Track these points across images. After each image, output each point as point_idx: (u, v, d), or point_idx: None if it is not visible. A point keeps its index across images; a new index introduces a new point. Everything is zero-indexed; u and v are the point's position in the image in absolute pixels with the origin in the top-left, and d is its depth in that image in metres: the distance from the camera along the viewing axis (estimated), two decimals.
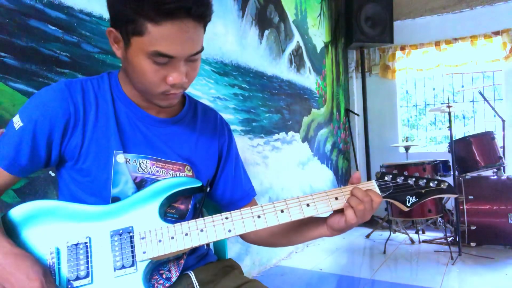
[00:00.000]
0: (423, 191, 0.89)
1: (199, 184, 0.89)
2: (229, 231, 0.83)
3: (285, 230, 0.98)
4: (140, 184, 0.89)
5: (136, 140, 0.90)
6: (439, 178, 0.91)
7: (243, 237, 1.05)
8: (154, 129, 0.93)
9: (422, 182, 0.89)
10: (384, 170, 0.93)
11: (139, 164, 0.89)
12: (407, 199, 0.88)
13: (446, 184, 0.89)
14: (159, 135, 0.93)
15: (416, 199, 0.88)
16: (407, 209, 0.88)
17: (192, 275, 0.94)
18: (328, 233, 0.91)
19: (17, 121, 0.84)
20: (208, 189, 0.93)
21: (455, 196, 0.90)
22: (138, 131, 0.91)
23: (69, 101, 0.85)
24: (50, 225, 0.83)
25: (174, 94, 0.85)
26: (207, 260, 1.03)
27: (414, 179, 0.89)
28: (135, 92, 0.90)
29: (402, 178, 0.89)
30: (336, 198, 0.86)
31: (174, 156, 0.93)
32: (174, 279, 0.88)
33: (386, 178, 0.90)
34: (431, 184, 0.89)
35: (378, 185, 0.88)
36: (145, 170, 0.90)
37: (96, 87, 0.91)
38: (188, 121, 0.99)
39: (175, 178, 0.89)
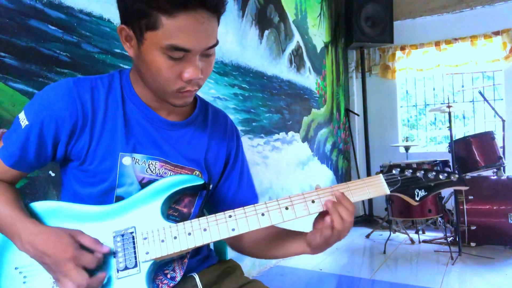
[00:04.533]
0: (432, 184, 0.86)
1: (201, 182, 0.87)
2: (233, 229, 0.81)
3: (268, 241, 0.97)
4: (147, 185, 0.87)
5: (146, 141, 0.89)
6: (449, 170, 0.88)
7: (232, 245, 1.04)
8: (164, 131, 0.91)
9: (431, 175, 0.86)
10: (391, 163, 0.90)
11: (148, 165, 0.88)
12: (416, 193, 0.85)
13: (457, 176, 0.87)
14: (168, 139, 0.91)
15: (425, 192, 0.85)
16: (416, 203, 0.86)
17: (196, 277, 0.94)
18: (308, 250, 0.89)
19: (23, 119, 0.83)
20: (211, 186, 0.92)
21: (466, 188, 0.87)
22: (148, 133, 0.89)
23: (77, 101, 0.83)
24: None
25: (189, 91, 0.82)
26: (210, 262, 1.02)
27: (423, 172, 0.86)
28: (147, 92, 0.88)
29: (411, 171, 0.86)
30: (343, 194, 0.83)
31: (183, 160, 0.92)
32: (178, 278, 0.87)
33: (393, 172, 0.87)
34: (441, 177, 0.86)
35: (385, 179, 0.86)
36: (153, 172, 0.88)
37: (106, 86, 0.88)
38: (199, 124, 0.97)
39: (177, 176, 0.87)
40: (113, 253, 0.80)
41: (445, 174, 0.87)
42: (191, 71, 0.78)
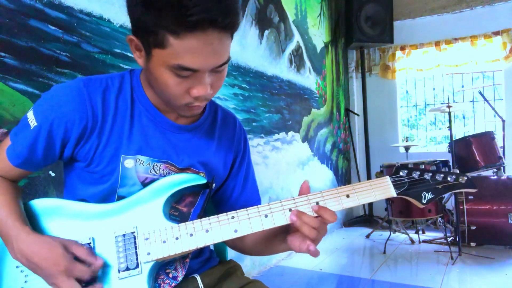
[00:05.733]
0: (440, 186, 0.84)
1: (204, 181, 0.87)
2: (235, 231, 0.80)
3: (268, 239, 0.95)
4: (149, 185, 0.87)
5: (152, 144, 0.88)
6: (457, 172, 0.86)
7: (233, 245, 1.03)
8: (171, 135, 0.90)
9: (439, 177, 0.84)
10: (399, 165, 0.88)
11: (152, 166, 0.87)
12: (423, 196, 0.84)
13: (465, 178, 0.85)
14: (176, 142, 0.90)
15: (432, 195, 0.84)
16: (422, 206, 0.84)
17: (198, 278, 0.93)
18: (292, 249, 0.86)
19: (31, 119, 0.82)
20: (214, 185, 0.91)
21: (475, 190, 0.86)
22: (155, 135, 0.88)
23: (87, 104, 0.81)
24: (54, 225, 0.82)
25: (197, 106, 0.81)
26: (211, 263, 1.02)
27: (430, 174, 0.84)
28: (157, 97, 0.87)
29: (418, 173, 0.84)
30: (348, 196, 0.81)
31: (189, 164, 0.91)
32: (180, 278, 0.87)
33: (401, 173, 0.85)
34: (449, 179, 0.84)
35: (392, 181, 0.84)
36: (157, 172, 0.88)
37: (116, 87, 0.86)
38: (207, 127, 0.96)
39: (179, 175, 0.86)
40: (109, 265, 0.79)
41: (454, 176, 0.85)
42: (200, 88, 0.76)
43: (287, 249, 0.87)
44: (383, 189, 0.83)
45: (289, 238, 0.82)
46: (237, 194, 1.02)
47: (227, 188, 1.02)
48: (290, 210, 0.80)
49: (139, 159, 0.86)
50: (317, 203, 0.80)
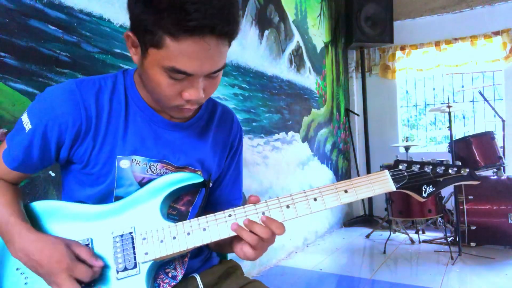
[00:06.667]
0: (441, 179, 0.82)
1: (200, 180, 0.87)
2: None
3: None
4: (146, 184, 0.87)
5: (148, 144, 0.88)
6: (459, 164, 0.84)
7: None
8: (167, 133, 0.90)
9: (440, 170, 0.82)
10: (398, 158, 0.86)
11: (149, 166, 0.88)
12: (424, 189, 0.81)
13: (467, 170, 0.83)
14: (172, 140, 0.90)
15: (433, 188, 0.81)
16: (423, 200, 0.82)
17: (198, 278, 0.93)
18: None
19: (26, 122, 0.82)
20: (211, 184, 0.91)
21: (478, 182, 0.83)
22: (151, 135, 0.88)
23: (80, 106, 0.82)
24: (53, 226, 0.82)
25: (188, 109, 0.81)
26: (211, 263, 1.02)
27: (431, 167, 0.82)
28: (150, 96, 0.87)
29: (418, 166, 0.82)
30: (346, 191, 0.80)
31: (185, 162, 0.92)
32: (179, 277, 0.86)
33: (400, 167, 0.82)
34: (450, 171, 0.82)
35: (391, 175, 0.82)
36: (154, 172, 0.88)
37: (110, 88, 0.86)
38: (203, 125, 0.96)
39: (176, 174, 0.86)
40: (107, 265, 0.80)
41: (455, 169, 0.83)
42: (192, 92, 0.76)
43: (232, 252, 0.86)
44: (382, 184, 0.82)
45: (233, 242, 0.82)
46: (220, 191, 1.03)
47: (214, 183, 1.02)
48: (287, 207, 0.80)
49: (135, 159, 0.86)
50: (315, 199, 0.80)
